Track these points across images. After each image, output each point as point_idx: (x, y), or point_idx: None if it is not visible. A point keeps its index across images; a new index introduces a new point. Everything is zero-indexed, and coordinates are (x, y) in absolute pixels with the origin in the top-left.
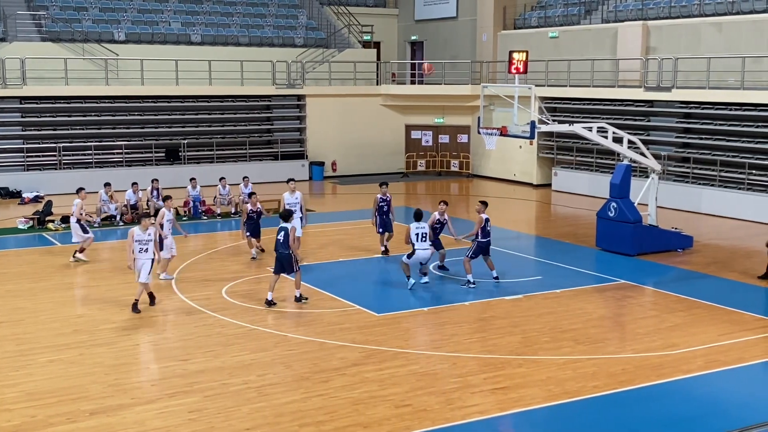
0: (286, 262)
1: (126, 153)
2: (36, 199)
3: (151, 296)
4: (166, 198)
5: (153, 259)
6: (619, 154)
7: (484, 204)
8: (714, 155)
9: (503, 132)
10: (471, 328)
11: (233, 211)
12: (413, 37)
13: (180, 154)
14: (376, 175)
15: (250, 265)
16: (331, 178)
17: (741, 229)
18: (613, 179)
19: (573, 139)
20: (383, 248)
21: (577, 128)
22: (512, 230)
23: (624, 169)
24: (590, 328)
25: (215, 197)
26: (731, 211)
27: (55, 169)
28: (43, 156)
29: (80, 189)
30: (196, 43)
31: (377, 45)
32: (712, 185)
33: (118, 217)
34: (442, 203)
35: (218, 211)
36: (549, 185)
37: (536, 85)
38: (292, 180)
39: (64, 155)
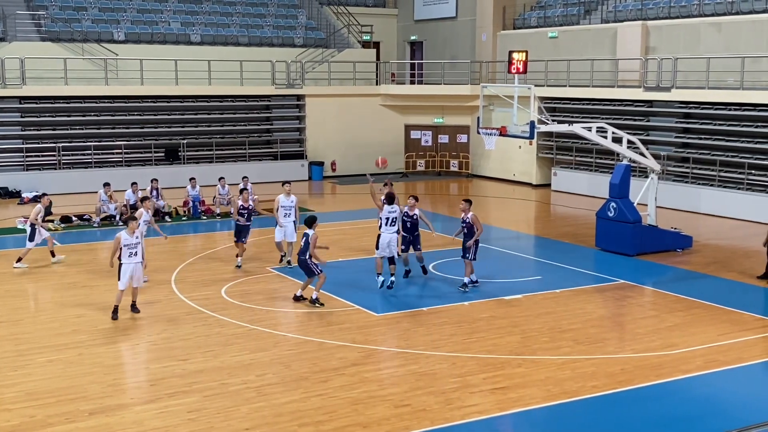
0: (304, 268)
1: (125, 153)
2: (35, 199)
3: (116, 310)
4: (144, 199)
5: (142, 263)
6: (618, 154)
7: (470, 202)
8: (713, 155)
9: (503, 132)
10: (470, 328)
11: (232, 211)
12: (413, 37)
13: (179, 154)
14: (376, 175)
15: (250, 265)
16: (331, 178)
17: (740, 229)
18: (613, 179)
19: (572, 139)
20: None
21: (577, 128)
22: (512, 230)
23: (623, 169)
24: (589, 328)
25: (214, 197)
26: (730, 211)
27: (55, 168)
28: (43, 156)
29: (44, 194)
30: (196, 43)
31: (377, 45)
32: (712, 185)
33: (117, 217)
34: (411, 198)
35: (217, 211)
36: (548, 185)
37: (536, 85)
38: (288, 183)
39: (63, 155)
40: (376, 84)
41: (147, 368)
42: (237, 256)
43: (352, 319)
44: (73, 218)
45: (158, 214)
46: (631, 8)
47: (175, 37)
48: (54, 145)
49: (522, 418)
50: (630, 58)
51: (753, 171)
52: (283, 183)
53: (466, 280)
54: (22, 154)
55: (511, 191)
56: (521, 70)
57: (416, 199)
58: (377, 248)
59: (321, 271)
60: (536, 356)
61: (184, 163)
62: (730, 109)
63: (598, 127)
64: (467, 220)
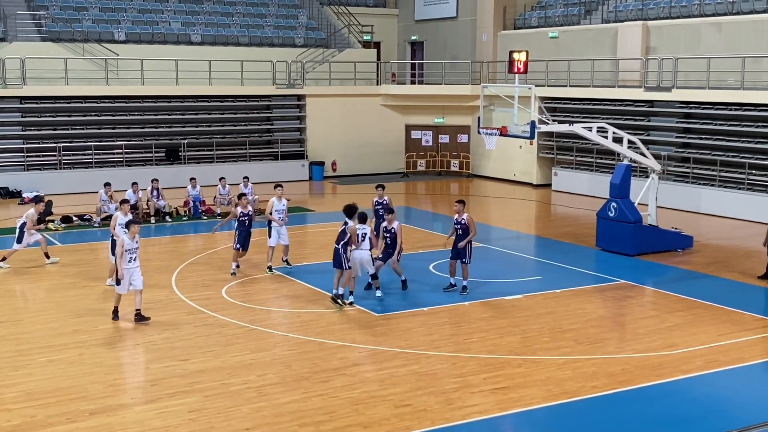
0: (335, 258)
1: (126, 153)
2: (36, 200)
3: (116, 311)
4: (123, 201)
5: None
6: (619, 154)
7: (463, 203)
8: (714, 155)
9: (503, 132)
10: (470, 328)
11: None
12: (413, 37)
13: (180, 154)
14: (376, 175)
15: (250, 265)
16: (331, 178)
17: (741, 229)
18: (613, 179)
19: (573, 139)
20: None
21: (577, 128)
22: (512, 230)
23: (624, 169)
24: (590, 328)
25: (215, 197)
26: (731, 211)
27: (55, 169)
28: (43, 156)
29: (41, 199)
30: (196, 43)
31: (377, 45)
32: (712, 185)
33: None
34: (388, 213)
35: (218, 211)
36: (549, 185)
37: (536, 85)
38: (280, 186)
39: (64, 155)
40: (377, 84)
41: (148, 368)
42: (234, 262)
43: (352, 319)
44: (74, 218)
45: (159, 214)
46: (631, 8)
47: (176, 37)
48: (54, 145)
49: (522, 418)
50: (630, 58)
51: (754, 171)
52: (275, 186)
53: (464, 282)
54: (22, 154)
55: (511, 191)
56: (522, 70)
57: (391, 211)
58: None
59: (350, 267)
60: (537, 356)
61: (184, 163)
62: (730, 109)
63: (598, 127)
64: (462, 222)
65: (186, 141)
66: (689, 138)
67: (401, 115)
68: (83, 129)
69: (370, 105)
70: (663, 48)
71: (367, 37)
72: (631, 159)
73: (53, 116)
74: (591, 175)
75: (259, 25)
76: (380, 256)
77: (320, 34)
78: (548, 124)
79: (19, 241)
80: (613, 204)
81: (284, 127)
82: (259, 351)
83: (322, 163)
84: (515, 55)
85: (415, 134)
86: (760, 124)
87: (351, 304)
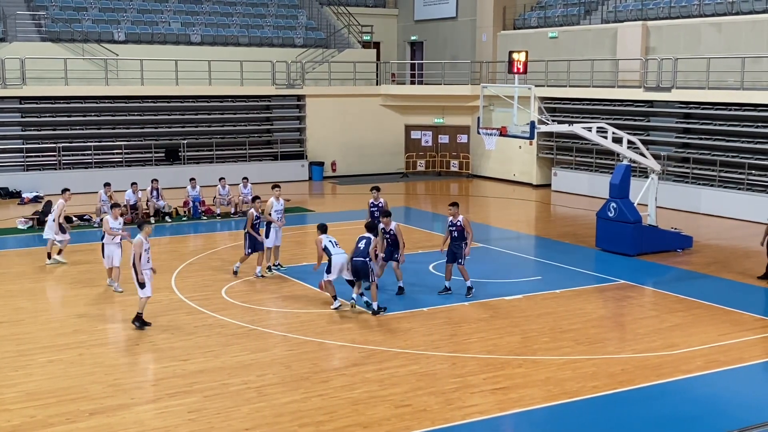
0: (362, 270)
1: (126, 153)
2: (36, 200)
3: (140, 317)
4: (114, 206)
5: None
6: (618, 155)
7: (457, 205)
8: (713, 155)
9: (503, 132)
10: (470, 329)
11: (233, 211)
12: (413, 38)
13: (180, 154)
14: (375, 176)
15: (250, 266)
16: (331, 179)
17: (740, 229)
18: (613, 179)
19: (572, 140)
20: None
21: (577, 128)
22: (512, 230)
23: (624, 170)
24: (590, 328)
25: (215, 197)
26: (731, 212)
27: (55, 169)
28: (43, 156)
29: (65, 190)
30: (196, 44)
31: (377, 45)
32: (712, 185)
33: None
34: (384, 216)
35: (218, 212)
36: (548, 185)
37: (536, 86)
38: (278, 186)
39: (63, 155)
40: (377, 84)
41: (147, 368)
42: (258, 264)
43: (352, 320)
44: (74, 218)
45: (158, 215)
46: (631, 8)
47: (176, 38)
48: (54, 145)
49: (522, 418)
50: (630, 59)
51: (753, 171)
52: (273, 186)
53: (467, 284)
54: (22, 155)
55: (511, 191)
56: (521, 70)
57: (388, 214)
58: (328, 272)
59: (375, 279)
60: (537, 356)
61: (184, 164)
62: (730, 110)
63: (598, 128)
64: (458, 224)
65: (186, 141)
66: (689, 138)
67: (401, 116)
68: (83, 129)
69: (370, 105)
70: (663, 48)
71: (366, 38)
72: (630, 159)
73: (53, 116)
74: (590, 175)
75: (258, 25)
76: (382, 255)
77: (320, 34)
78: (548, 124)
79: (63, 231)
80: (613, 204)
81: (284, 127)
82: (258, 351)
83: (321, 164)
84: (515, 56)
85: (415, 134)
86: (759, 124)
87: (351, 306)
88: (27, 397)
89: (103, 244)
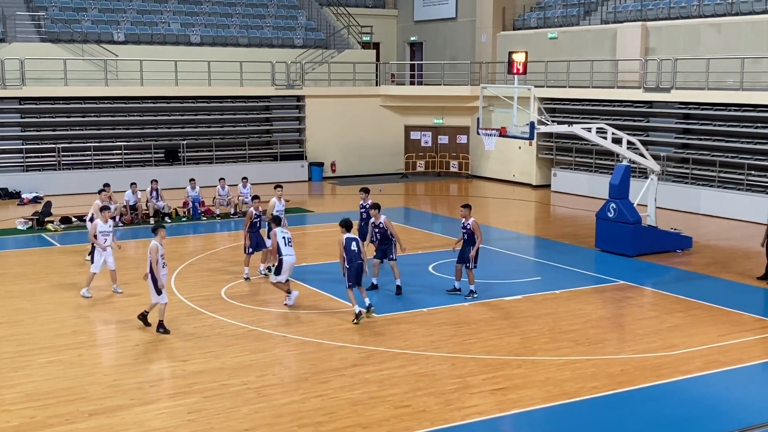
0: (361, 273)
1: (125, 153)
2: (35, 200)
3: (161, 324)
4: (104, 208)
5: None
6: (618, 155)
7: (469, 207)
8: (713, 156)
9: (502, 133)
10: (470, 329)
11: (232, 212)
12: (412, 38)
13: (179, 154)
14: (375, 176)
15: (250, 267)
16: (331, 179)
17: (740, 229)
18: (613, 180)
19: (572, 140)
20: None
21: (577, 129)
22: (511, 231)
23: (623, 170)
24: (589, 328)
25: (214, 198)
26: (730, 212)
27: (55, 169)
28: (43, 157)
29: (102, 190)
30: (196, 44)
31: (376, 46)
32: (711, 186)
33: (117, 218)
34: (373, 209)
35: (217, 212)
36: (548, 186)
37: (535, 86)
38: (280, 187)
39: (63, 156)
40: (376, 85)
41: (147, 369)
42: (261, 262)
43: (351, 321)
44: (73, 219)
45: (158, 215)
46: (630, 9)
47: (175, 38)
48: (54, 146)
49: (522, 419)
50: (630, 59)
51: (753, 172)
52: (275, 186)
53: (471, 287)
54: (21, 155)
55: (510, 192)
56: (521, 70)
57: (376, 207)
58: (278, 273)
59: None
60: (536, 357)
61: (183, 164)
62: (729, 110)
63: (597, 128)
64: (468, 226)
65: (185, 142)
66: (688, 139)
67: (400, 116)
68: (82, 130)
69: (370, 106)
70: (662, 49)
71: (366, 38)
72: (630, 160)
73: (52, 117)
74: (590, 175)
75: (258, 25)
76: (374, 255)
77: (319, 34)
78: (547, 124)
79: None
80: (613, 205)
81: (283, 127)
82: (258, 352)
83: (321, 164)
84: (514, 56)
85: (415, 135)
86: (759, 124)
87: (368, 311)
88: (26, 398)
89: (93, 247)
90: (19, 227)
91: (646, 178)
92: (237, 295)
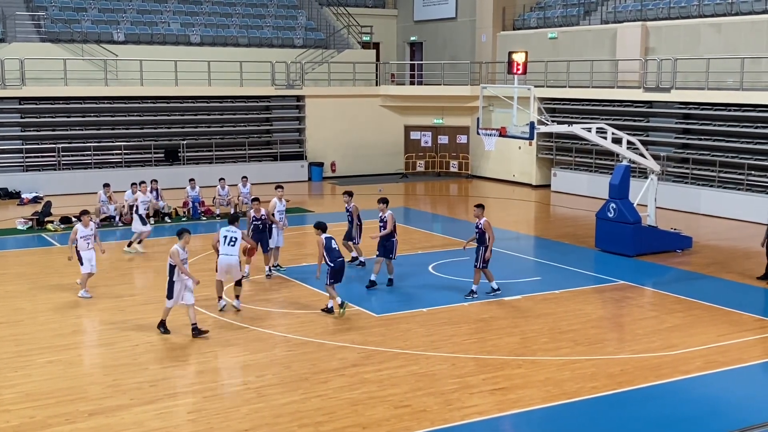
0: (343, 270)
1: (125, 154)
2: (35, 200)
3: (196, 327)
4: (84, 213)
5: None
6: (618, 155)
7: (482, 207)
8: (713, 156)
9: (502, 133)
10: (470, 329)
11: (232, 211)
12: (412, 38)
13: (179, 154)
14: (375, 176)
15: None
16: (330, 179)
17: (740, 229)
18: (613, 180)
19: (572, 140)
20: (353, 256)
21: (577, 129)
22: (511, 231)
23: (623, 170)
24: (589, 328)
25: (214, 198)
26: (730, 212)
27: (54, 169)
28: (43, 157)
29: (141, 182)
30: (196, 44)
31: (376, 46)
32: (711, 186)
33: (117, 218)
34: (380, 202)
35: (217, 212)
36: (548, 186)
37: (535, 86)
38: (281, 187)
39: (63, 156)
40: (376, 85)
41: (147, 369)
42: (265, 264)
43: (351, 320)
44: (73, 219)
45: (158, 215)
46: (630, 9)
47: (175, 38)
48: (54, 145)
49: (522, 418)
50: (630, 59)
51: (753, 172)
52: (277, 186)
53: (473, 287)
54: (21, 155)
55: (510, 192)
56: (521, 70)
57: (386, 202)
58: (216, 270)
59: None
60: (536, 357)
61: (183, 164)
62: (729, 110)
63: (597, 128)
64: (479, 226)
65: (185, 142)
66: (688, 139)
67: (400, 116)
68: (82, 130)
69: (369, 106)
70: (662, 49)
71: (366, 38)
72: (630, 160)
73: (52, 117)
74: (590, 175)
75: (258, 25)
76: (377, 253)
77: (319, 34)
78: (547, 124)
79: (144, 223)
80: (613, 205)
81: (283, 127)
82: (258, 352)
83: (321, 164)
84: (514, 56)
85: (414, 135)
86: (759, 124)
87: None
88: (26, 398)
89: (77, 250)
90: (19, 227)
91: (646, 178)
92: None
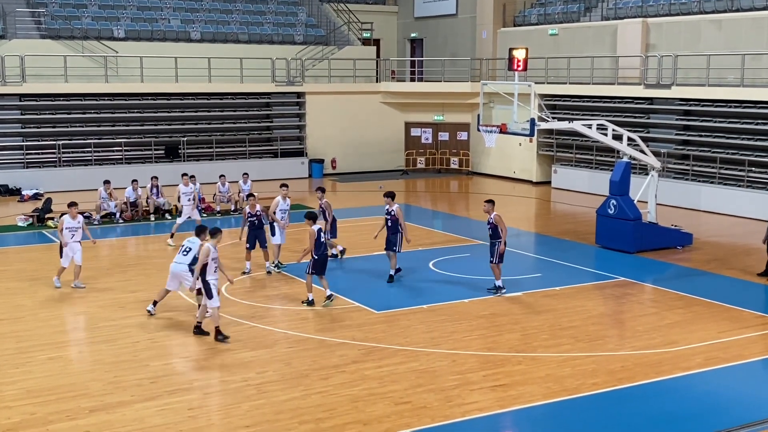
0: (326, 263)
1: (125, 150)
2: (36, 197)
3: (218, 330)
4: (71, 204)
5: None
6: (618, 152)
7: (492, 202)
8: (714, 152)
9: (503, 129)
10: (470, 326)
11: (233, 208)
12: (413, 35)
13: (179, 151)
14: (375, 173)
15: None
16: (331, 176)
17: (740, 226)
18: (613, 176)
19: (572, 137)
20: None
21: (577, 125)
22: (512, 227)
23: (624, 167)
24: (590, 325)
25: (215, 195)
26: (731, 208)
27: (55, 166)
28: (43, 153)
29: (188, 175)
30: (196, 40)
31: (377, 42)
32: (712, 182)
33: (117, 215)
34: (386, 196)
35: (218, 209)
36: (548, 182)
37: (536, 83)
38: (286, 186)
39: (63, 152)
40: (377, 81)
41: (147, 366)
42: (266, 260)
43: (352, 317)
44: None
45: (158, 212)
46: (631, 5)
47: (175, 35)
48: (54, 142)
49: (522, 415)
50: (630, 56)
51: (753, 168)
52: (281, 185)
53: (497, 282)
54: (22, 152)
55: (511, 188)
56: (521, 67)
57: (392, 196)
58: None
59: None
60: (536, 353)
61: (184, 161)
62: (730, 107)
63: (598, 125)
64: (490, 221)
65: (185, 138)
66: (689, 135)
67: (401, 113)
68: (83, 126)
69: (370, 102)
70: (663, 45)
71: (366, 35)
72: (630, 156)
73: (53, 114)
74: (590, 172)
75: (258, 22)
76: (384, 247)
77: (320, 31)
78: (548, 121)
79: (180, 215)
80: (613, 201)
81: (284, 124)
82: (258, 348)
83: (321, 161)
84: (515, 53)
85: (415, 132)
86: (759, 121)
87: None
88: (27, 395)
89: (60, 243)
90: (20, 224)
91: (647, 174)
92: (237, 291)
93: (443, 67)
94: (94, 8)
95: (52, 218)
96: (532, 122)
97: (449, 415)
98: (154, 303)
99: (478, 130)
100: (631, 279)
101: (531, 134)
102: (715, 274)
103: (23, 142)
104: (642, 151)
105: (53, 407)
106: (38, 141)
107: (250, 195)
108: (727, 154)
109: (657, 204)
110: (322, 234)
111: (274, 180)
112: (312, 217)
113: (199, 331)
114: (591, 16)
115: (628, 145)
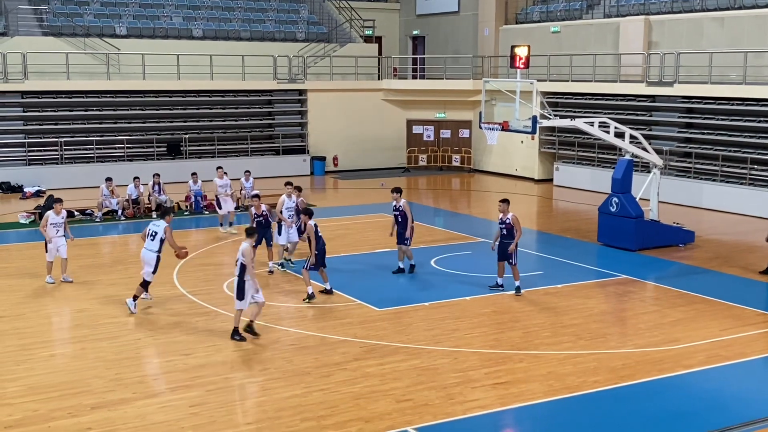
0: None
1: (127, 147)
2: (37, 194)
3: (236, 331)
4: (56, 201)
5: None
6: (620, 149)
7: (507, 202)
8: (716, 150)
9: (505, 127)
10: (472, 323)
11: (235, 206)
12: (415, 32)
13: (181, 148)
14: (377, 170)
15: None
16: (333, 173)
17: (743, 224)
18: (615, 174)
19: (575, 134)
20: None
21: (579, 123)
22: None
23: (626, 164)
24: (591, 323)
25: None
26: (733, 206)
27: (57, 163)
28: (45, 150)
29: (219, 168)
30: (198, 38)
31: (379, 40)
32: (714, 180)
33: (119, 212)
34: (394, 191)
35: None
36: (550, 180)
37: (538, 80)
38: (290, 184)
39: (65, 150)
40: (378, 79)
41: (149, 363)
42: (269, 260)
43: (353, 314)
44: (75, 213)
45: (160, 209)
46: (633, 3)
47: (177, 32)
48: (56, 139)
49: (524, 413)
50: (632, 53)
51: (755, 166)
52: (286, 183)
53: (516, 283)
54: (24, 149)
55: (513, 186)
56: (523, 65)
57: (399, 191)
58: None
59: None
60: (538, 351)
61: (185, 158)
62: (732, 104)
63: (600, 122)
64: (507, 221)
65: (187, 136)
66: (691, 133)
67: (402, 110)
68: (85, 123)
69: (372, 100)
70: (665, 43)
71: (368, 32)
72: (633, 154)
73: (55, 111)
74: (593, 170)
75: (260, 19)
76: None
77: (322, 28)
78: (550, 119)
79: (220, 207)
80: (615, 199)
81: (285, 121)
82: (260, 346)
83: (323, 158)
84: (517, 50)
85: (417, 129)
86: (762, 119)
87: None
88: (29, 392)
89: (45, 238)
90: (22, 221)
91: (649, 172)
92: None
93: (445, 65)
94: (96, 5)
95: None
96: (534, 120)
97: (451, 412)
98: (134, 297)
99: (480, 127)
100: (633, 277)
101: (533, 132)
102: (717, 272)
103: (25, 139)
104: (644, 149)
105: (55, 404)
106: (40, 138)
107: (255, 195)
108: (730, 151)
109: (659, 201)
110: (318, 228)
111: (276, 177)
112: (309, 213)
113: (249, 330)
114: (593, 14)
115: (631, 142)
